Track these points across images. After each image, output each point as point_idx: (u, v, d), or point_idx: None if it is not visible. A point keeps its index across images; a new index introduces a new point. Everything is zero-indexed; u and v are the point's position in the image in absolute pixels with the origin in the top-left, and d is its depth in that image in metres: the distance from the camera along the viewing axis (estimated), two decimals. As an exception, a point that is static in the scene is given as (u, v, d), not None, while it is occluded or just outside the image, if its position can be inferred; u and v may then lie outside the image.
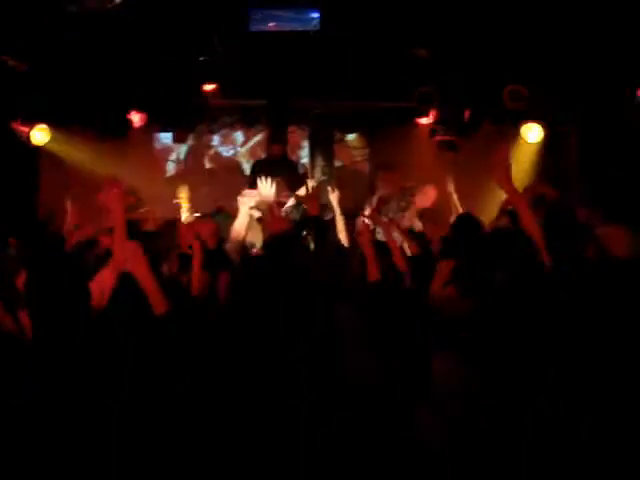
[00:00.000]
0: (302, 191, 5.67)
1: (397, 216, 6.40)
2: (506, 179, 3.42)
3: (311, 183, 6.32)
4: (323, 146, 8.03)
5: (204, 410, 2.66)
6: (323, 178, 7.04)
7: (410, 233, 5.46)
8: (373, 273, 4.27)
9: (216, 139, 8.40)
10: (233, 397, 2.63)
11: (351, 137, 8.33)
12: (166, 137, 8.41)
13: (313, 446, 2.49)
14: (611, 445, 2.51)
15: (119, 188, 3.43)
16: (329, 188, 6.32)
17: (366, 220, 5.69)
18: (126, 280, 3.14)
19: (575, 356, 2.69)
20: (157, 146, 8.29)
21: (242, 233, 5.06)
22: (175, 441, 2.66)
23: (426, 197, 6.23)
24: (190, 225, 4.83)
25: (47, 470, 2.62)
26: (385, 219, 5.62)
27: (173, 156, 8.38)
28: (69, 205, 5.48)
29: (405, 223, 6.00)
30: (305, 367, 2.60)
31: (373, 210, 6.11)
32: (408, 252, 5.13)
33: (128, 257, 3.14)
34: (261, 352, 2.68)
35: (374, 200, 6.98)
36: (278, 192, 5.01)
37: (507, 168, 3.46)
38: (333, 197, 6.19)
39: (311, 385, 2.59)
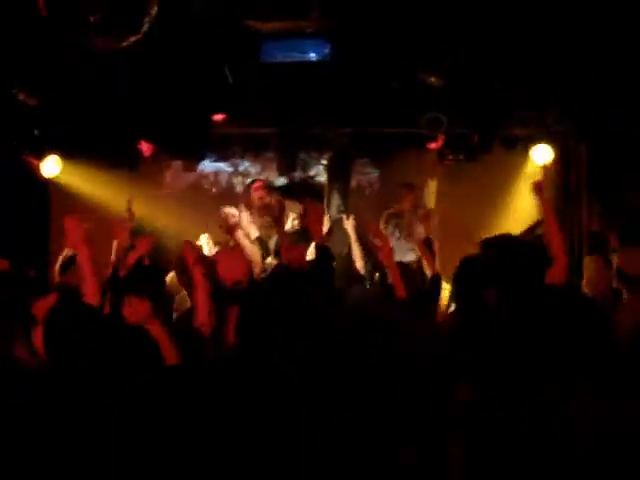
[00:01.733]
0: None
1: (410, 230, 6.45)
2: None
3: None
4: (340, 171, 8.05)
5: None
6: (339, 202, 7.02)
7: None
8: (400, 290, 4.16)
9: (225, 166, 8.40)
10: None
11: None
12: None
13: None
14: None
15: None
16: (344, 216, 6.37)
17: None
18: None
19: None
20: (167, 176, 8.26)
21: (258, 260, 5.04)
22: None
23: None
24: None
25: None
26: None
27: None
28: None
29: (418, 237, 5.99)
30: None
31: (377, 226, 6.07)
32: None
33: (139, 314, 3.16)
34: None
35: (384, 215, 7.03)
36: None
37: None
38: (348, 224, 6.21)
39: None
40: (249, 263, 4.65)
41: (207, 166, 8.43)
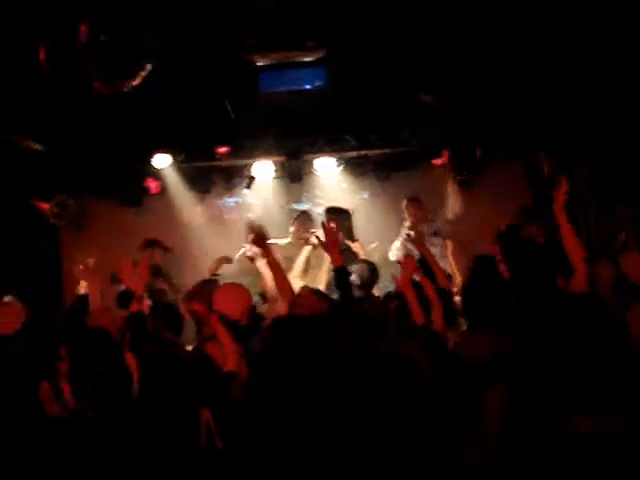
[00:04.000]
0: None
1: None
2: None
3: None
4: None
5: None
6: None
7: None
8: (418, 315, 4.02)
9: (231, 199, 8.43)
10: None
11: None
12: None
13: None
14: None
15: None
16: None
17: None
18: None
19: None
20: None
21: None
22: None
23: None
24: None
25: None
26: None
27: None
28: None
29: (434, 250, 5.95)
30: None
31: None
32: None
33: None
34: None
35: (404, 229, 6.99)
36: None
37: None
38: (356, 246, 6.21)
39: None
40: (249, 300, 4.59)
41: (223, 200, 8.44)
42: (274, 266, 4.72)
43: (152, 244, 7.09)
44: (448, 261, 6.64)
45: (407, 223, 6.99)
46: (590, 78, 6.40)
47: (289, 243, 6.72)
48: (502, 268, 4.68)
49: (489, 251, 5.05)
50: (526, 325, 3.26)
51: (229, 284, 4.75)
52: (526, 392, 2.71)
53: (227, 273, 6.24)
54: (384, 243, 7.12)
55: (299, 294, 4.48)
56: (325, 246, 4.47)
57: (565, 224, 3.99)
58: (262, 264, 5.66)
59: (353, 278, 5.07)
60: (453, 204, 7.57)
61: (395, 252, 6.87)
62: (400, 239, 6.94)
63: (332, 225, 4.67)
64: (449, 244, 6.89)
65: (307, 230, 6.57)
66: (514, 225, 6.15)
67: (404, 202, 7.15)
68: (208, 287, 4.89)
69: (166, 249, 7.19)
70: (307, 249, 6.39)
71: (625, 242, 6.55)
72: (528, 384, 2.73)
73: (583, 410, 2.54)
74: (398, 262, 6.36)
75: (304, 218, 6.91)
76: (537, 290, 4.05)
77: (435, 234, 6.97)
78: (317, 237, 4.99)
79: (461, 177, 7.77)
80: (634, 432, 2.46)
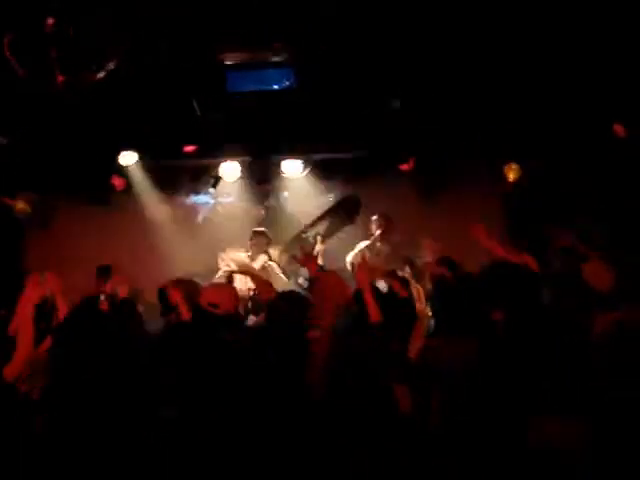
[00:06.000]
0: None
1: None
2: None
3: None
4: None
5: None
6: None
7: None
8: (374, 314, 4.17)
9: (199, 198, 8.42)
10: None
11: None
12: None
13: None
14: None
15: None
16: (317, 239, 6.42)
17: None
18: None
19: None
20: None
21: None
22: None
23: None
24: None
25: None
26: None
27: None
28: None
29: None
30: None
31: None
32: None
33: None
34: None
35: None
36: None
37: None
38: (319, 249, 6.26)
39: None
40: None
41: (191, 198, 8.42)
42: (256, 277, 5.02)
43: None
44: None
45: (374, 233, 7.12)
46: (561, 88, 6.51)
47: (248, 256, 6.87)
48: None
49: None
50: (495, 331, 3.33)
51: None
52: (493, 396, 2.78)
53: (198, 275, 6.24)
54: (347, 245, 7.19)
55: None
56: (301, 262, 4.86)
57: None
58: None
59: (301, 281, 5.19)
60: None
61: (352, 257, 6.98)
62: (363, 244, 7.05)
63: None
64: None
65: (263, 251, 6.80)
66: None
67: (374, 217, 7.26)
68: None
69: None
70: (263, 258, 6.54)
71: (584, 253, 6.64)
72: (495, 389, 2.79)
73: (550, 411, 2.61)
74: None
75: (261, 239, 6.97)
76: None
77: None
78: (293, 256, 5.29)
79: (426, 182, 7.82)
80: (597, 432, 2.54)
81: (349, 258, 6.95)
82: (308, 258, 4.81)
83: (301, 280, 5.37)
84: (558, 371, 2.77)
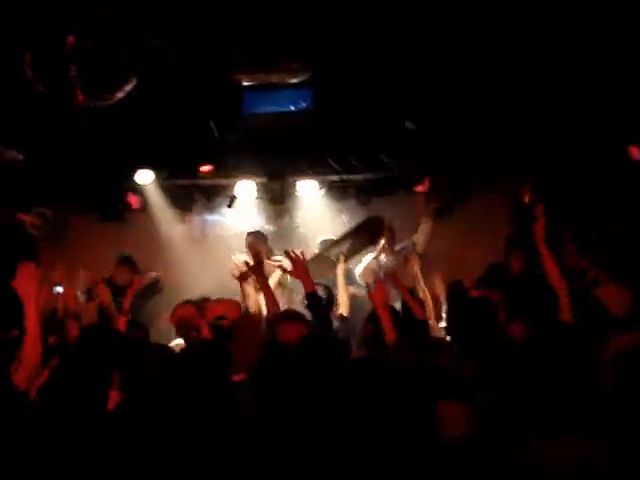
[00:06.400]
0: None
1: None
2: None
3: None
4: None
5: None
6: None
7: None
8: (390, 334, 4.17)
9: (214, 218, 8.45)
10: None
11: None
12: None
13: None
14: None
15: None
16: (341, 260, 6.40)
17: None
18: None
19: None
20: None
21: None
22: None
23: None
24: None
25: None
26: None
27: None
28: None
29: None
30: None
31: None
32: None
33: None
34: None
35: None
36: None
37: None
38: (339, 269, 6.23)
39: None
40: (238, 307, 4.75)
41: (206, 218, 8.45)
42: (265, 288, 4.91)
43: (122, 261, 7.07)
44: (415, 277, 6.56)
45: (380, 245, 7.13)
46: (573, 110, 6.51)
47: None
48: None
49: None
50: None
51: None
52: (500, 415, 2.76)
53: (211, 293, 6.24)
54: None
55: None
56: (294, 274, 4.69)
57: (547, 255, 4.05)
58: (248, 284, 5.72)
59: (299, 297, 5.15)
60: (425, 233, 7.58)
61: (362, 270, 6.98)
62: (370, 256, 7.04)
63: (298, 253, 4.70)
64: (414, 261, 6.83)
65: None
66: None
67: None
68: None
69: (133, 268, 7.07)
70: (277, 273, 6.46)
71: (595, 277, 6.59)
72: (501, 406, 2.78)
73: (554, 433, 2.59)
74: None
75: (255, 240, 7.00)
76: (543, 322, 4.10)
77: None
78: (282, 267, 5.20)
79: (441, 204, 7.81)
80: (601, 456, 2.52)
81: (358, 270, 6.96)
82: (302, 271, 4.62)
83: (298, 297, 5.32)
84: (568, 391, 2.75)
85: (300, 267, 4.52)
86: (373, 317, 4.55)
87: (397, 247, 7.30)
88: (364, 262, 7.12)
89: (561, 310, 3.98)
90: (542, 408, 2.74)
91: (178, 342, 5.10)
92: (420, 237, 7.40)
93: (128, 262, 7.01)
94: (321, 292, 5.33)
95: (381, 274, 5.99)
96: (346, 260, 6.80)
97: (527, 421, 2.73)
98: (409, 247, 7.26)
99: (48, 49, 4.99)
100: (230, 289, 6.38)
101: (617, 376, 3.05)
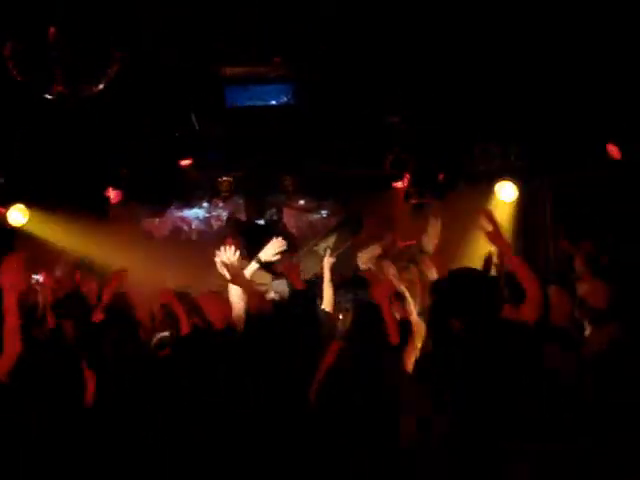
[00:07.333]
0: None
1: None
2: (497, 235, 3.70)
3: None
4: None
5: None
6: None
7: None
8: (394, 335, 4.06)
9: (193, 212, 8.41)
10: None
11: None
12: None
13: None
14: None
15: None
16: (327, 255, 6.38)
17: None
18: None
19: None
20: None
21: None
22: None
23: None
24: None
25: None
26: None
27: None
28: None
29: None
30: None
31: None
32: None
33: None
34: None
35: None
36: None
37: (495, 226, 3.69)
38: (326, 263, 6.21)
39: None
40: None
41: (184, 212, 8.40)
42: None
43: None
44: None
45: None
46: (559, 104, 6.54)
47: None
48: None
49: None
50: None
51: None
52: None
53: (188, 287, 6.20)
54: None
55: None
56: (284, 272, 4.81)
57: (507, 252, 3.98)
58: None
59: (272, 295, 5.08)
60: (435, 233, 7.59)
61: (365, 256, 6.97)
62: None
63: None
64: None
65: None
66: None
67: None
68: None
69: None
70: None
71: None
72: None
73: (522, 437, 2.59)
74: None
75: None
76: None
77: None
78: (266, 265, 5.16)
79: (420, 200, 7.82)
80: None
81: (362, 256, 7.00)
82: (292, 269, 4.56)
83: (272, 295, 5.24)
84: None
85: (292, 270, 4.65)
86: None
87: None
88: (369, 250, 7.10)
89: (527, 307, 3.83)
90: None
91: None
92: (430, 238, 7.38)
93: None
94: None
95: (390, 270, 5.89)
96: (332, 254, 6.80)
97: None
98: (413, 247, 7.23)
99: (29, 39, 4.93)
100: (209, 282, 6.35)
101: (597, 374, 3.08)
